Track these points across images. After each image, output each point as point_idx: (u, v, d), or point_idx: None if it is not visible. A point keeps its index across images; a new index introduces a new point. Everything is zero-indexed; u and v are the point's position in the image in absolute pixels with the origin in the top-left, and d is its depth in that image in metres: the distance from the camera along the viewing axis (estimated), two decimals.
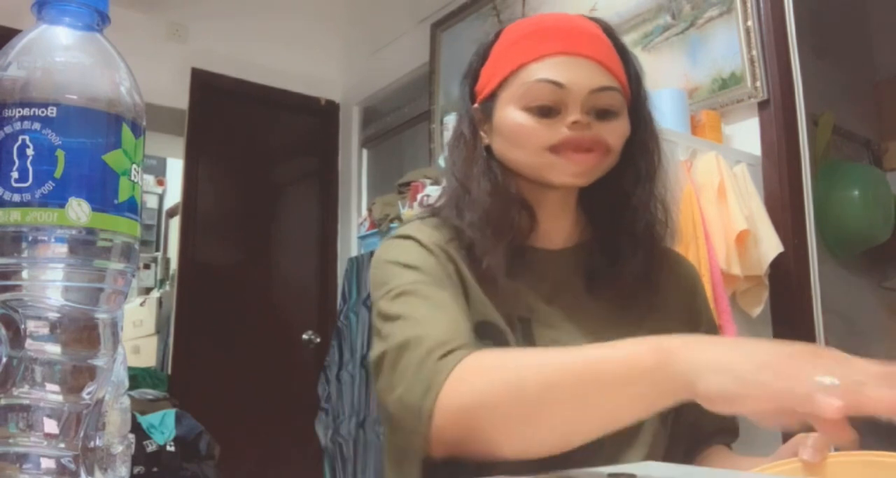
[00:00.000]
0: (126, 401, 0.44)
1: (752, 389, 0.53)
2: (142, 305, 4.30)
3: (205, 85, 3.66)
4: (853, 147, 2.98)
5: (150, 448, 2.47)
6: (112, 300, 0.43)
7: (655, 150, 0.91)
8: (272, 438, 3.45)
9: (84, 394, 0.41)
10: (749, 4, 2.11)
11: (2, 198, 0.40)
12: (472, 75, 0.93)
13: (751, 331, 1.90)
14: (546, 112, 0.83)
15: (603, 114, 0.84)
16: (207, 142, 3.69)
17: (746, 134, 2.12)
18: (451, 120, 2.56)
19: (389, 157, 3.95)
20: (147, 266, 4.78)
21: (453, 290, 0.80)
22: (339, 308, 3.29)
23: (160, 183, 5.07)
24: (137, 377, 3.22)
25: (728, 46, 2.15)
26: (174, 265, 3.77)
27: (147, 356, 3.99)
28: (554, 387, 0.62)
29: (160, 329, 4.06)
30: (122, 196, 0.43)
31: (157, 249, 4.98)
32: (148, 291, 4.68)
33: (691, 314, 0.94)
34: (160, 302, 4.18)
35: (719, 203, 1.83)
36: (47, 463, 0.39)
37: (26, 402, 0.39)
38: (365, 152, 4.09)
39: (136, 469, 2.36)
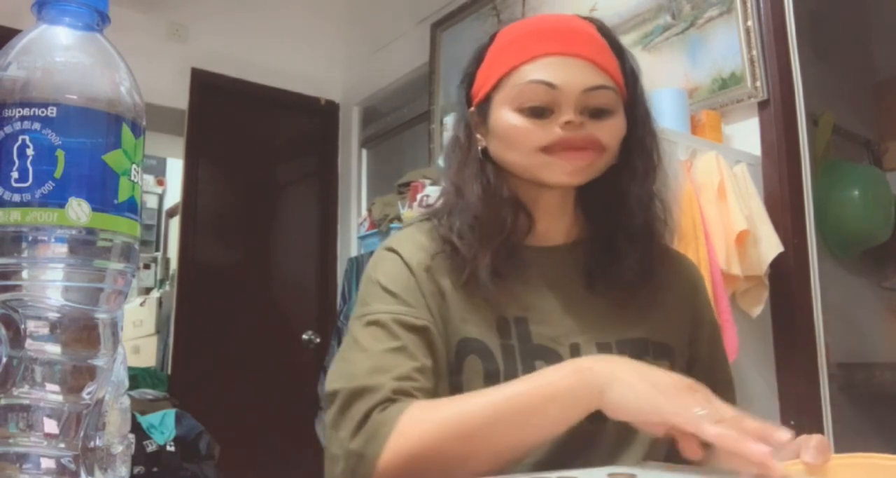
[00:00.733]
0: (126, 401, 0.44)
1: (648, 405, 0.64)
2: (142, 305, 4.31)
3: (205, 85, 3.66)
4: (853, 147, 2.98)
5: (150, 448, 2.47)
6: (112, 300, 0.43)
7: (654, 147, 0.91)
8: (272, 438, 3.45)
9: (84, 394, 0.41)
10: (749, 4, 2.11)
11: (2, 198, 0.40)
12: (469, 79, 0.93)
13: (751, 331, 1.90)
14: (539, 113, 0.83)
15: (597, 113, 0.84)
16: (207, 142, 3.69)
17: (746, 134, 2.12)
18: (450, 120, 2.56)
19: (389, 157, 3.95)
20: (147, 266, 4.79)
21: (425, 320, 0.81)
22: (338, 308, 3.29)
23: (160, 183, 5.08)
24: (137, 377, 3.22)
25: (728, 46, 2.16)
26: (174, 265, 3.77)
27: (147, 356, 4.00)
28: (489, 424, 0.69)
29: (160, 329, 4.07)
30: (122, 196, 0.43)
31: (157, 249, 4.98)
32: (148, 291, 4.69)
33: (693, 313, 0.94)
34: (160, 302, 4.19)
35: (719, 203, 1.83)
36: (47, 463, 0.39)
37: (26, 402, 0.39)
38: (365, 152, 4.09)
39: (136, 469, 2.36)
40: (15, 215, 0.40)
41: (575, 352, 0.84)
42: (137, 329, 4.17)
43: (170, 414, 2.64)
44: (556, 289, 0.88)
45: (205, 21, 3.62)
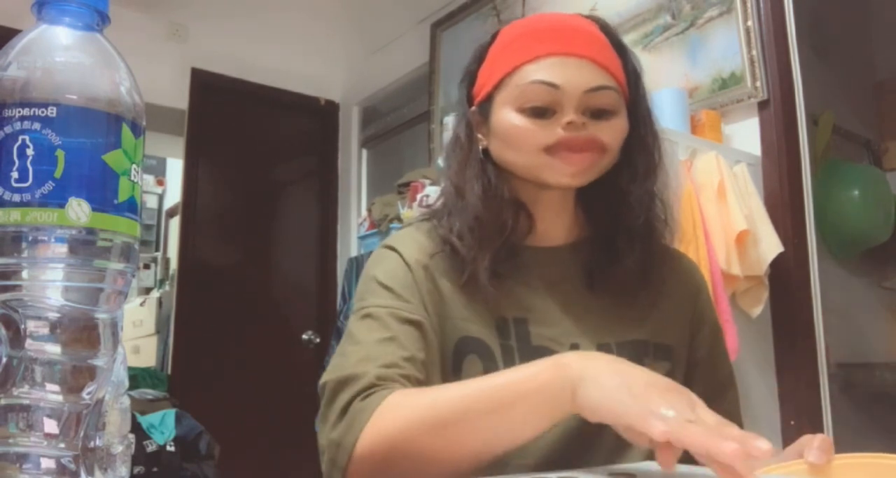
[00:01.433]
0: (126, 401, 0.44)
1: (610, 403, 0.59)
2: (142, 305, 4.30)
3: (205, 85, 3.66)
4: (853, 147, 2.98)
5: (150, 448, 2.47)
6: (112, 300, 0.43)
7: (655, 147, 0.90)
8: (272, 438, 3.45)
9: (84, 394, 0.41)
10: (749, 4, 2.11)
11: (2, 198, 0.40)
12: (470, 78, 0.93)
13: (751, 331, 1.90)
14: (541, 113, 0.83)
15: (599, 113, 0.83)
16: (207, 142, 3.69)
17: (746, 134, 2.12)
18: (451, 121, 2.56)
19: (389, 157, 3.95)
20: (147, 266, 4.78)
21: (420, 315, 0.81)
22: (338, 308, 3.29)
23: (160, 183, 5.07)
24: (137, 377, 3.22)
25: (728, 46, 2.16)
26: (174, 265, 3.77)
27: (147, 356, 3.99)
28: (464, 413, 0.66)
29: (160, 329, 4.07)
30: (122, 196, 0.43)
31: (157, 249, 4.98)
32: (148, 291, 4.68)
33: (694, 314, 0.94)
34: (160, 302, 4.18)
35: (719, 203, 1.82)
36: (47, 463, 0.39)
37: (26, 402, 0.39)
38: (364, 152, 4.09)
39: (136, 469, 2.36)
40: (15, 215, 0.40)
41: None
42: (137, 329, 4.16)
43: (170, 414, 2.64)
44: (557, 290, 0.88)
45: (205, 21, 3.62)
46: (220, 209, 3.73)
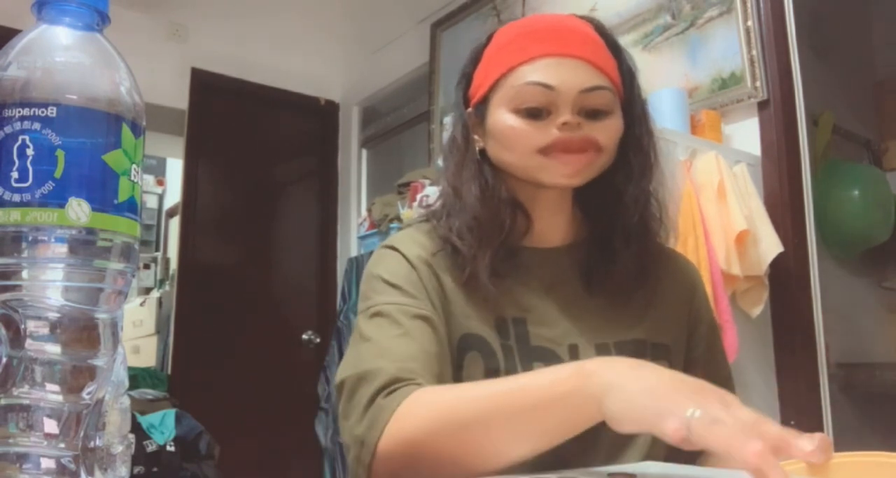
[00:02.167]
0: (126, 401, 0.44)
1: (634, 411, 0.56)
2: (142, 305, 4.30)
3: (205, 85, 3.66)
4: (853, 147, 2.98)
5: (150, 448, 2.47)
6: (112, 300, 0.43)
7: (650, 146, 0.90)
8: (272, 438, 3.45)
9: (84, 394, 0.41)
10: (749, 4, 2.11)
11: (2, 198, 0.40)
12: (466, 79, 0.93)
13: (751, 331, 1.90)
14: (537, 114, 0.83)
15: (594, 114, 0.83)
16: (207, 142, 3.69)
17: (746, 134, 2.12)
18: (450, 121, 2.56)
19: (389, 157, 3.95)
20: (147, 266, 4.78)
21: (428, 311, 0.81)
22: (338, 308, 3.29)
23: (160, 183, 5.07)
24: (137, 377, 3.22)
25: (728, 46, 2.16)
26: (174, 265, 3.77)
27: (147, 356, 3.99)
28: (486, 416, 0.65)
29: (160, 329, 4.06)
30: (122, 196, 0.43)
31: (157, 249, 4.98)
32: (148, 291, 4.68)
33: (690, 313, 0.94)
34: (160, 302, 4.18)
35: (719, 203, 1.82)
36: (47, 463, 0.39)
37: (26, 402, 0.39)
38: (364, 152, 4.09)
39: (136, 469, 2.36)
40: (15, 215, 0.40)
41: (573, 353, 0.84)
42: (137, 329, 4.16)
43: (170, 414, 2.64)
44: (555, 291, 0.88)
45: (205, 21, 3.62)
46: (220, 209, 3.74)
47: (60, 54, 0.43)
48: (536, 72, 0.83)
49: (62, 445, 0.40)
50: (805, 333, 1.96)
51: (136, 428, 2.46)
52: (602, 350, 0.85)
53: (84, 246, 0.42)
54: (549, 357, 0.83)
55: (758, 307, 1.89)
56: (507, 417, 0.64)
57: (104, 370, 0.42)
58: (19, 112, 0.41)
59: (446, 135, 0.98)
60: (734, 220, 1.80)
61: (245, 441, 3.23)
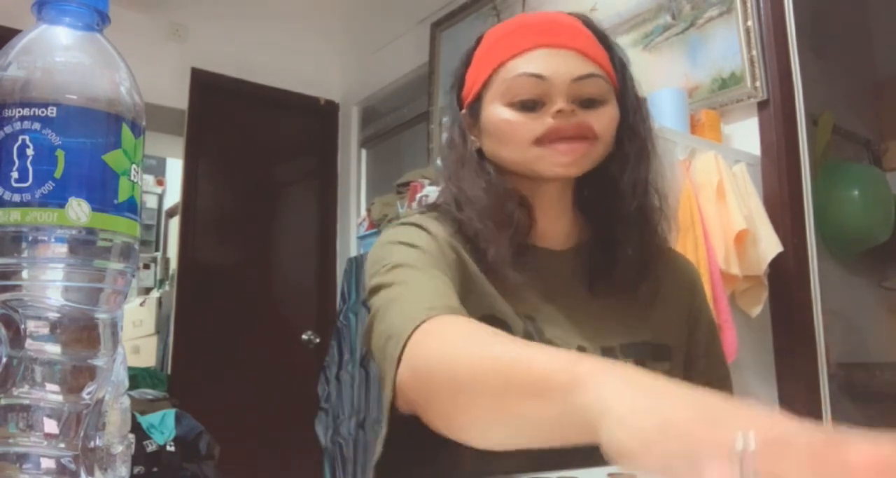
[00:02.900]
0: (126, 401, 0.44)
1: (648, 449, 0.44)
2: (142, 305, 4.30)
3: (204, 85, 3.66)
4: (853, 147, 2.98)
5: (150, 448, 2.47)
6: (112, 300, 0.43)
7: (647, 135, 0.90)
8: (272, 438, 3.44)
9: (84, 394, 0.41)
10: (749, 4, 2.11)
11: (2, 198, 0.40)
12: (458, 82, 0.93)
13: (750, 331, 1.90)
14: (531, 106, 0.83)
15: (588, 102, 0.83)
16: (207, 142, 3.69)
17: (746, 134, 2.12)
18: (446, 123, 2.56)
19: (388, 157, 3.95)
20: (147, 266, 4.77)
21: (451, 274, 0.79)
22: (338, 308, 3.28)
23: (160, 183, 5.06)
24: (137, 377, 3.22)
25: (728, 46, 2.15)
26: (174, 265, 3.77)
27: (147, 356, 3.99)
28: (477, 377, 0.59)
29: (160, 329, 4.06)
30: (122, 196, 0.43)
31: (157, 249, 4.97)
32: (148, 291, 4.68)
33: (690, 313, 0.94)
34: (160, 302, 4.18)
35: (718, 203, 1.82)
36: (47, 463, 0.39)
37: (26, 402, 0.39)
38: (364, 152, 4.09)
39: (136, 469, 2.36)
40: (15, 215, 0.40)
41: None
42: (137, 329, 4.16)
43: (170, 414, 2.64)
44: (560, 295, 0.88)
45: (205, 21, 3.62)
46: (220, 209, 3.73)
47: (60, 54, 0.43)
48: (528, 63, 0.83)
49: (62, 445, 0.40)
50: (805, 333, 1.96)
51: (136, 428, 2.46)
52: (608, 353, 0.84)
53: (84, 246, 0.42)
54: None
55: (757, 307, 1.89)
56: (495, 385, 0.57)
57: (104, 370, 0.42)
58: (19, 112, 0.41)
59: (443, 138, 0.98)
60: (733, 219, 1.80)
61: (245, 441, 3.23)
